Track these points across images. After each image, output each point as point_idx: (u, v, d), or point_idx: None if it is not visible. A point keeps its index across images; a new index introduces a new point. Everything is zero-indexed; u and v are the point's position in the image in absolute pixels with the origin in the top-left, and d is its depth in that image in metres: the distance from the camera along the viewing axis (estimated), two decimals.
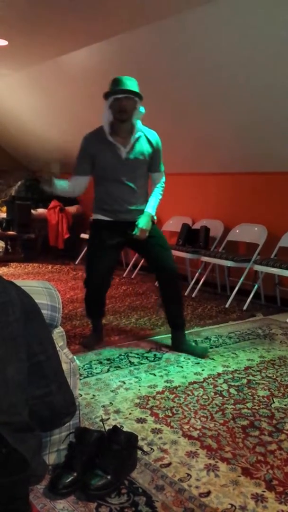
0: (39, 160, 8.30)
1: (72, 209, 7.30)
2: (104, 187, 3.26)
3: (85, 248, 6.71)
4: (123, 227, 3.26)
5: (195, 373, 3.01)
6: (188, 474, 1.94)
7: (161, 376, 2.95)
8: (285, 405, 2.61)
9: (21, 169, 8.52)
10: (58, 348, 1.83)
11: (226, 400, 2.65)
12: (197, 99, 4.87)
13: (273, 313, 4.55)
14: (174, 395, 2.68)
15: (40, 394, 1.64)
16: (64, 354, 1.96)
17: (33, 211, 6.96)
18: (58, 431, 1.92)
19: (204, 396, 2.68)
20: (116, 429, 1.99)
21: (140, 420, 2.38)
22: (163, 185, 3.39)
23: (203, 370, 3.07)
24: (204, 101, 4.87)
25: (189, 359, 3.25)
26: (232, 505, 1.76)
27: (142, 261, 5.99)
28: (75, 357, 2.06)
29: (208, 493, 1.82)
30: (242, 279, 4.77)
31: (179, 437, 2.23)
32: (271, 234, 4.88)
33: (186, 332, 3.51)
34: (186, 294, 5.00)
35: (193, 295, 5.03)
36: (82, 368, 3.00)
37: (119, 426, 2.10)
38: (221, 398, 2.67)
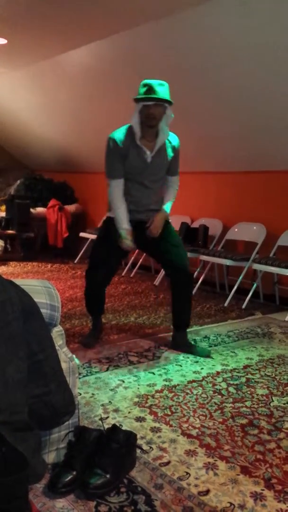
0: (38, 158, 8.31)
1: (71, 208, 7.30)
2: (126, 187, 3.26)
3: (91, 243, 6.75)
4: (136, 226, 3.26)
5: (194, 372, 3.01)
6: (187, 473, 1.94)
7: (160, 374, 2.95)
8: (284, 403, 2.62)
9: (20, 168, 8.52)
10: (57, 347, 1.84)
11: (225, 398, 2.65)
12: (196, 98, 4.87)
13: (272, 311, 4.56)
14: (173, 393, 2.69)
15: (39, 393, 1.64)
16: (63, 353, 1.97)
17: (32, 210, 6.95)
18: (58, 430, 1.92)
19: (203, 395, 2.68)
20: (115, 428, 1.99)
21: (139, 419, 2.38)
22: (177, 188, 3.40)
23: (202, 368, 3.07)
24: (203, 100, 4.87)
25: (188, 357, 3.25)
26: (231, 503, 1.76)
27: (141, 260, 6.00)
28: (74, 356, 2.06)
29: (207, 492, 1.83)
30: (241, 278, 4.78)
31: (178, 436, 2.23)
32: (270, 233, 4.89)
33: (187, 330, 3.51)
34: None
35: (192, 294, 5.02)
36: (81, 367, 3.00)
37: (118, 425, 2.11)
38: (220, 396, 2.67)
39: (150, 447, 2.13)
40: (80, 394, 2.60)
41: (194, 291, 5.03)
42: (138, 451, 2.04)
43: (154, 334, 3.76)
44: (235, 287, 4.77)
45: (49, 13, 4.30)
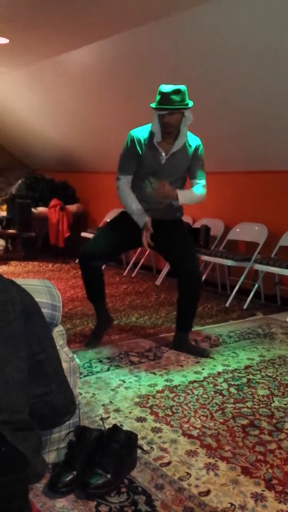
0: (40, 158, 8.31)
1: (72, 207, 7.30)
2: (139, 186, 3.27)
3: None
4: (154, 224, 3.26)
5: (195, 372, 3.01)
6: (188, 473, 1.94)
7: (161, 375, 2.95)
8: (285, 404, 2.61)
9: (22, 167, 8.52)
10: (58, 347, 1.83)
11: (226, 399, 2.65)
12: (197, 98, 4.85)
13: (273, 312, 4.55)
14: (174, 394, 2.68)
15: (40, 392, 1.64)
16: (64, 352, 1.96)
17: (33, 210, 6.95)
18: (58, 429, 1.92)
19: (204, 395, 2.68)
20: (116, 428, 1.99)
21: (140, 419, 2.38)
22: (201, 191, 3.29)
23: (203, 369, 3.07)
24: (204, 100, 4.86)
25: (189, 358, 3.25)
26: (231, 504, 1.76)
27: (142, 260, 6.00)
28: (75, 355, 2.06)
29: (208, 492, 1.82)
30: (242, 278, 4.78)
31: (179, 436, 2.23)
32: (271, 233, 4.88)
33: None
34: None
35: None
36: (82, 366, 3.00)
37: (119, 425, 2.11)
38: (221, 397, 2.67)
39: (151, 447, 2.12)
40: (81, 394, 2.60)
41: None
42: (139, 451, 2.04)
43: (155, 334, 3.75)
44: (237, 288, 4.77)
45: (51, 13, 4.30)
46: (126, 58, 5.03)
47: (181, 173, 3.27)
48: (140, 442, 2.12)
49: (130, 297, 4.88)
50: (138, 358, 3.21)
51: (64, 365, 1.87)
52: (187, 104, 3.02)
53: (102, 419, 2.33)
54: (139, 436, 2.12)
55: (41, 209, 7.09)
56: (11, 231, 6.81)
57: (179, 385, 2.81)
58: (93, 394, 2.63)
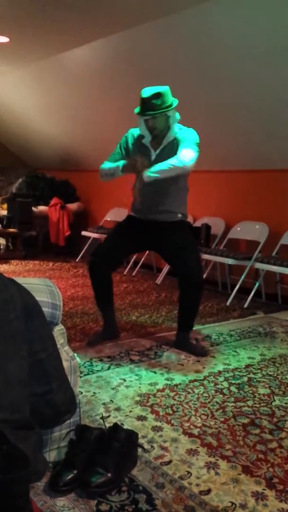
0: (40, 156, 8.31)
1: (73, 206, 7.30)
2: (137, 189, 3.24)
3: (93, 241, 6.77)
4: (151, 226, 3.26)
5: (196, 371, 3.00)
6: (189, 472, 1.94)
7: (162, 373, 2.95)
8: (286, 403, 2.61)
9: (22, 166, 8.52)
10: (58, 346, 1.83)
11: (226, 398, 2.64)
12: (198, 96, 4.86)
13: (274, 311, 4.55)
14: (174, 392, 2.68)
15: (40, 391, 1.64)
16: (65, 351, 1.96)
17: (34, 209, 6.95)
18: (59, 428, 1.92)
19: (205, 394, 2.68)
20: (116, 427, 1.99)
21: (141, 418, 2.38)
22: (184, 161, 2.99)
23: (203, 368, 3.07)
24: (205, 99, 4.86)
25: (190, 357, 3.25)
26: (232, 503, 1.76)
27: (143, 259, 5.99)
28: (75, 354, 2.06)
29: (209, 491, 1.82)
30: (243, 277, 4.77)
31: (179, 435, 2.23)
32: (272, 231, 4.88)
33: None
34: None
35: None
36: (83, 365, 3.00)
37: (119, 424, 2.11)
38: (221, 396, 2.67)
39: (152, 446, 2.12)
40: (82, 392, 2.60)
41: None
42: (140, 450, 2.04)
43: (156, 333, 3.75)
44: (237, 286, 4.77)
45: (51, 12, 4.29)
46: (127, 57, 5.02)
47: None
48: (140, 441, 2.12)
49: (130, 296, 4.88)
50: (138, 357, 3.21)
51: (65, 364, 1.87)
52: (169, 106, 3.01)
53: (102, 418, 2.33)
54: (139, 435, 2.12)
55: (41, 208, 7.09)
56: (11, 230, 6.81)
57: (180, 384, 2.81)
58: (94, 393, 2.63)
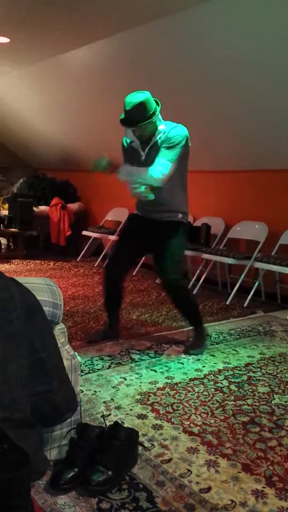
0: (41, 157, 8.32)
1: (73, 206, 7.31)
2: None
3: (93, 241, 6.79)
4: (152, 224, 3.28)
5: (196, 370, 3.02)
6: (189, 470, 1.95)
7: (162, 372, 2.96)
8: (285, 401, 2.62)
9: (23, 167, 8.53)
10: (59, 345, 1.85)
11: (226, 396, 2.66)
12: (198, 96, 4.88)
13: (274, 310, 4.56)
14: (174, 391, 2.69)
15: (41, 390, 1.65)
16: (66, 350, 1.97)
17: (35, 208, 6.96)
18: (60, 427, 1.93)
19: (205, 393, 2.69)
20: (117, 425, 2.00)
21: (141, 416, 2.39)
22: (155, 173, 3.00)
23: (203, 366, 3.08)
24: (205, 99, 4.87)
25: (190, 355, 3.26)
26: (232, 501, 1.77)
27: (143, 259, 6.00)
28: (76, 353, 2.07)
29: (209, 489, 1.83)
30: (242, 276, 4.78)
31: (179, 433, 2.24)
32: (271, 231, 4.89)
33: (187, 329, 3.55)
34: None
35: (194, 292, 5.03)
36: (83, 364, 3.01)
37: (120, 422, 2.12)
38: (221, 394, 2.68)
39: (152, 444, 2.13)
40: (82, 391, 2.61)
41: (196, 290, 5.03)
42: (140, 448, 2.05)
43: (156, 332, 3.76)
44: (237, 286, 4.77)
45: (52, 12, 4.30)
46: (127, 57, 5.03)
47: None
48: (141, 439, 2.13)
49: (131, 295, 4.88)
50: (139, 356, 3.22)
51: (66, 362, 1.88)
52: (153, 114, 3.00)
53: (103, 416, 2.34)
54: (140, 433, 2.13)
55: (42, 208, 7.10)
56: (12, 229, 6.82)
57: (180, 382, 2.82)
58: (94, 391, 2.64)
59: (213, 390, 2.73)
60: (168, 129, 3.11)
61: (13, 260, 6.60)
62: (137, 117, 2.99)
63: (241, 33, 3.99)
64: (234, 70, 4.33)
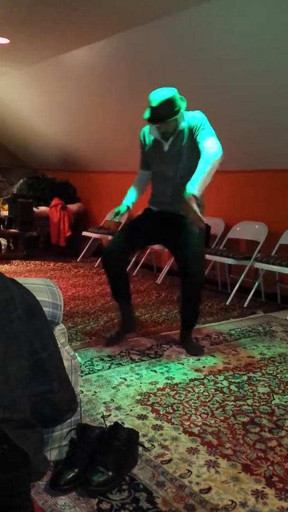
0: (41, 157, 8.32)
1: (73, 207, 7.31)
2: (152, 181, 3.35)
3: (94, 241, 6.78)
4: (166, 217, 3.28)
5: (196, 370, 3.02)
6: (189, 471, 1.95)
7: (162, 373, 2.96)
8: (285, 402, 2.62)
9: (23, 167, 8.53)
10: (59, 345, 1.85)
11: (226, 396, 2.66)
12: (197, 96, 4.86)
13: (274, 310, 4.56)
14: (175, 391, 2.70)
15: (41, 391, 1.65)
16: (66, 351, 1.97)
17: (35, 209, 6.97)
18: (60, 427, 1.93)
19: (205, 393, 2.69)
20: (117, 426, 2.00)
21: (141, 417, 2.39)
22: (211, 154, 2.99)
23: (203, 367, 3.08)
24: (204, 99, 4.86)
25: (190, 356, 3.26)
26: (232, 501, 1.77)
27: (143, 259, 6.00)
28: (76, 354, 2.07)
29: (209, 489, 1.83)
30: (242, 276, 4.78)
31: (179, 434, 2.24)
32: (271, 231, 4.89)
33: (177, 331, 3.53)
34: None
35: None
36: (84, 365, 3.01)
37: (120, 423, 2.12)
38: (221, 394, 2.68)
39: (152, 445, 2.14)
40: (82, 392, 2.61)
41: None
42: (140, 448, 2.05)
43: (156, 332, 3.76)
44: (237, 286, 4.77)
45: (51, 13, 4.31)
46: (127, 58, 5.03)
47: (187, 159, 3.15)
48: (141, 439, 2.13)
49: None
50: (139, 356, 3.22)
51: (66, 363, 1.88)
52: (178, 111, 3.01)
53: (103, 417, 2.34)
54: (140, 434, 2.13)
55: (42, 208, 7.10)
56: (12, 230, 6.83)
57: (180, 383, 2.82)
58: (95, 392, 2.64)
59: (213, 390, 2.73)
60: (190, 119, 3.12)
61: (13, 261, 6.60)
62: (164, 113, 2.99)
63: (241, 33, 3.99)
64: (234, 70, 4.33)
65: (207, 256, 5.03)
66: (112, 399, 2.56)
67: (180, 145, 3.15)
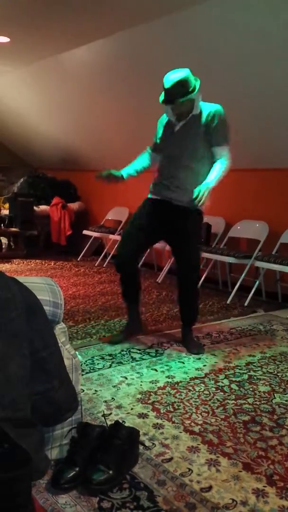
0: (41, 156, 8.32)
1: (74, 205, 7.31)
2: (160, 163, 3.32)
3: (94, 240, 6.79)
4: (165, 207, 3.25)
5: (197, 369, 3.02)
6: (190, 469, 1.95)
7: (163, 371, 2.96)
8: (286, 400, 2.62)
9: (23, 166, 8.53)
10: (60, 344, 1.85)
11: (227, 395, 2.66)
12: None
13: (274, 309, 4.56)
14: (175, 390, 2.70)
15: (42, 389, 1.65)
16: (66, 350, 1.97)
17: (35, 208, 6.97)
18: (60, 426, 1.93)
19: (206, 392, 2.69)
20: (118, 424, 2.00)
21: (142, 415, 2.39)
22: (226, 161, 3.20)
23: (204, 365, 3.08)
24: (205, 99, 4.86)
25: (191, 354, 3.26)
26: (233, 500, 1.77)
27: (143, 258, 6.00)
28: (77, 352, 2.07)
29: (210, 488, 1.83)
30: (243, 275, 4.78)
31: (180, 432, 2.24)
32: (272, 230, 4.88)
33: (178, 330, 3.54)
34: None
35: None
36: (84, 363, 3.01)
37: (121, 421, 2.12)
38: (222, 393, 2.68)
39: (153, 444, 2.14)
40: (83, 390, 2.61)
41: None
42: (141, 447, 2.05)
43: (157, 331, 3.76)
44: (238, 285, 4.77)
45: (51, 12, 4.30)
46: (127, 56, 5.03)
47: (197, 144, 3.15)
48: (142, 438, 2.13)
49: None
50: (140, 355, 3.22)
51: (66, 362, 1.88)
52: (193, 91, 3.03)
53: (104, 415, 2.34)
54: (141, 432, 2.13)
55: (43, 207, 7.10)
56: (13, 229, 6.83)
57: (181, 381, 2.82)
58: (95, 390, 2.64)
59: (214, 389, 2.73)
60: (207, 108, 3.16)
61: (14, 260, 6.60)
62: (177, 93, 3.00)
63: (241, 33, 3.98)
64: (234, 69, 4.33)
65: (208, 255, 5.04)
66: (112, 398, 2.56)
67: (191, 129, 3.14)
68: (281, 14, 3.63)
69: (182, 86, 2.98)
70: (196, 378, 2.88)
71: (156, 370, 2.97)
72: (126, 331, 3.52)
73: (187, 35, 4.34)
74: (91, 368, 2.97)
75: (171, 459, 2.02)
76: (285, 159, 4.76)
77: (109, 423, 2.10)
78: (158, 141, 3.34)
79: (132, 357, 3.18)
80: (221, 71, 4.44)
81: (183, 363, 3.12)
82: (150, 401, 2.55)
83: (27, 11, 4.32)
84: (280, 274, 4.82)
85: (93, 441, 1.91)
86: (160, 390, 2.69)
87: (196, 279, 3.43)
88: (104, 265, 6.41)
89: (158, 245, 5.25)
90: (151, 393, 2.64)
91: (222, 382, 2.83)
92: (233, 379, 2.88)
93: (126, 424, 2.23)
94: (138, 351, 3.29)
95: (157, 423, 2.32)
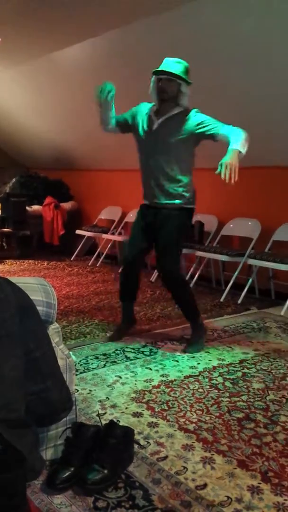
0: (33, 156, 8.30)
1: (67, 205, 7.29)
2: (140, 161, 3.34)
3: (87, 240, 6.79)
4: (149, 210, 3.31)
5: (191, 367, 3.02)
6: (184, 467, 1.96)
7: (157, 370, 2.96)
8: (280, 397, 2.63)
9: (16, 166, 8.50)
10: (53, 344, 1.85)
11: (221, 393, 2.66)
12: (192, 95, 4.86)
13: (268, 306, 4.58)
14: (170, 389, 2.70)
15: (36, 390, 1.65)
16: (60, 350, 1.97)
17: (28, 208, 6.94)
18: (55, 426, 1.93)
19: (200, 390, 2.70)
20: (112, 424, 2.00)
21: (137, 414, 2.39)
22: (238, 129, 3.28)
23: (198, 364, 3.09)
24: (199, 97, 4.86)
25: (184, 353, 3.26)
26: (228, 497, 1.78)
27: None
28: (71, 353, 2.07)
29: (205, 486, 1.84)
30: (236, 273, 4.79)
31: (175, 431, 2.25)
32: (264, 228, 4.90)
33: (182, 326, 3.62)
34: None
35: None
36: (78, 363, 3.01)
37: (115, 421, 2.12)
38: (216, 391, 2.69)
39: (148, 442, 2.14)
40: (77, 390, 2.61)
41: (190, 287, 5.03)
42: (136, 446, 2.06)
43: (151, 330, 3.77)
44: (231, 283, 4.78)
45: (43, 11, 4.29)
46: (119, 55, 5.02)
47: (174, 145, 3.17)
48: (136, 437, 2.13)
49: None
50: (134, 354, 3.22)
51: (60, 362, 1.88)
52: (183, 76, 3.09)
53: (98, 415, 2.34)
54: (135, 431, 2.13)
55: (35, 207, 7.08)
56: (5, 229, 6.81)
57: (175, 380, 2.83)
58: (90, 390, 2.64)
59: (208, 387, 2.74)
60: (192, 114, 3.21)
61: (7, 260, 6.58)
62: (172, 67, 3.07)
63: (237, 31, 3.98)
64: (228, 67, 4.33)
65: (201, 254, 5.05)
66: (107, 397, 2.57)
67: (171, 128, 3.16)
68: (279, 13, 3.62)
69: (180, 65, 3.09)
70: (190, 376, 2.89)
71: (150, 369, 2.98)
72: (123, 327, 3.54)
73: (181, 34, 4.34)
74: (85, 368, 2.97)
75: (166, 457, 2.03)
76: (277, 157, 4.78)
77: (103, 422, 2.10)
78: (126, 117, 3.39)
79: (126, 356, 3.18)
80: (214, 69, 4.44)
81: (177, 361, 3.12)
82: (144, 400, 2.55)
83: (19, 10, 4.31)
84: (273, 271, 4.83)
85: (88, 441, 1.92)
86: (155, 389, 2.69)
87: (180, 279, 3.39)
88: (97, 265, 6.40)
89: None
90: (146, 392, 2.65)
91: (216, 380, 2.83)
92: (227, 376, 2.89)
93: (121, 424, 2.23)
94: (132, 350, 3.29)
95: (152, 422, 2.32)
